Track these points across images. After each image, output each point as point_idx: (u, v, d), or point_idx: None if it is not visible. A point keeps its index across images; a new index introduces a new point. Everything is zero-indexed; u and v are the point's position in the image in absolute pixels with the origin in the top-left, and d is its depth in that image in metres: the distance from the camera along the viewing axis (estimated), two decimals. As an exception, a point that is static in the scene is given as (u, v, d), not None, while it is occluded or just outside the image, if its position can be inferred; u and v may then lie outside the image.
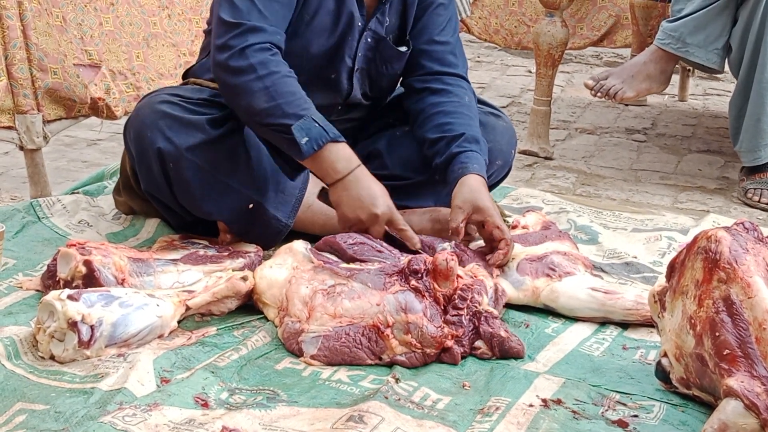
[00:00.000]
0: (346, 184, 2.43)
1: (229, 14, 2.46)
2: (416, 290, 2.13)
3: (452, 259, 2.15)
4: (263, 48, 2.44)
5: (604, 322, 2.37)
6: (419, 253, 2.42)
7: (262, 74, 2.41)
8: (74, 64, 3.08)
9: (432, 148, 2.68)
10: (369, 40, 2.69)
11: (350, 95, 2.73)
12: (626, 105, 4.71)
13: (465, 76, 2.83)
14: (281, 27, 2.52)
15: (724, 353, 1.84)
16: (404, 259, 2.25)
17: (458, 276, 2.17)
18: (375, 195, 2.45)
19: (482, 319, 2.16)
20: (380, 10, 2.68)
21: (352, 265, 2.27)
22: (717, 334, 1.86)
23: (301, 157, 2.42)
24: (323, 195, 2.53)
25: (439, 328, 2.11)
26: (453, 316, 2.14)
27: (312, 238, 2.58)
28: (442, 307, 2.15)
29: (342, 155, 2.44)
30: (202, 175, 2.49)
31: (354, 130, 2.85)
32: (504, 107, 4.70)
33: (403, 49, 2.75)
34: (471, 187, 2.53)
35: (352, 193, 2.43)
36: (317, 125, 2.41)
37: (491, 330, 2.15)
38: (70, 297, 2.03)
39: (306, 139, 2.39)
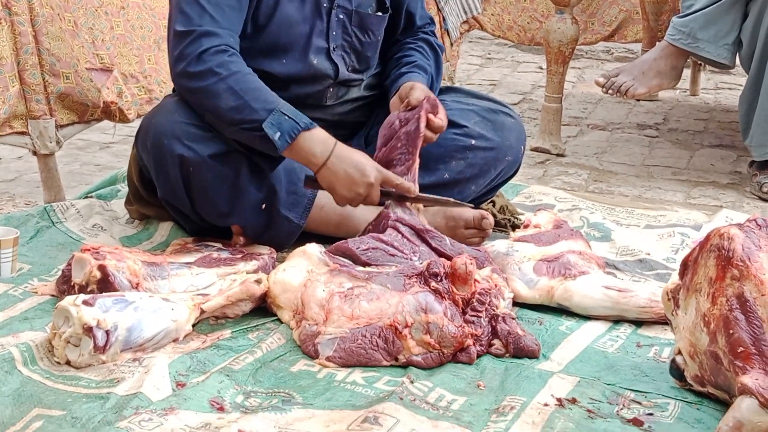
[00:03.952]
0: (331, 168, 2.44)
1: (181, 24, 2.48)
2: (436, 291, 2.14)
3: (471, 264, 2.15)
4: (219, 50, 2.45)
5: (617, 320, 2.37)
6: (416, 200, 2.53)
7: (224, 75, 2.43)
8: (86, 68, 3.09)
9: (387, 72, 2.82)
10: (341, 16, 2.70)
11: (338, 74, 2.73)
12: (638, 101, 4.70)
13: (427, 30, 2.91)
14: (235, 30, 2.53)
15: (738, 351, 1.84)
16: (421, 262, 2.26)
17: (476, 281, 2.17)
18: (362, 166, 2.46)
19: (499, 319, 2.17)
20: None
21: (368, 269, 2.28)
22: (731, 331, 1.86)
23: (276, 153, 2.43)
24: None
25: (460, 328, 2.11)
26: (472, 316, 2.15)
27: (325, 238, 2.59)
28: (461, 309, 2.15)
29: (317, 140, 2.44)
30: (222, 180, 2.52)
31: (363, 110, 2.87)
32: (515, 104, 4.70)
33: (380, 14, 2.77)
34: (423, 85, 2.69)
35: (340, 173, 2.44)
36: (287, 117, 2.42)
37: (508, 328, 2.16)
38: (85, 302, 2.04)
39: (278, 134, 2.40)
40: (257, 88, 2.45)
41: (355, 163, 2.46)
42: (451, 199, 2.61)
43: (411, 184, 2.53)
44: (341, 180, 2.44)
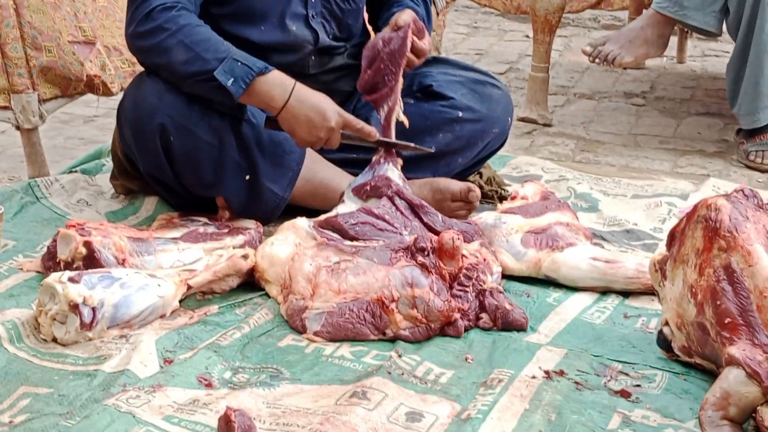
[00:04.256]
0: (291, 111, 2.42)
1: None
2: (423, 266, 2.13)
3: (458, 239, 2.14)
4: (167, 8, 2.43)
5: (605, 291, 2.37)
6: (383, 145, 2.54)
7: (173, 30, 2.41)
8: (69, 42, 3.06)
9: (379, 14, 2.83)
10: None
11: (318, 41, 2.71)
12: (624, 69, 4.69)
13: None
14: None
15: (726, 322, 1.84)
16: (409, 236, 2.25)
17: (463, 255, 2.17)
18: (323, 109, 2.44)
19: (487, 294, 2.16)
20: None
21: (356, 243, 2.26)
22: (718, 302, 1.86)
23: (233, 100, 2.41)
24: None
25: (446, 302, 2.11)
26: (459, 291, 2.14)
27: (311, 212, 2.58)
28: (448, 284, 2.15)
29: (274, 83, 2.42)
30: (204, 148, 2.49)
31: (349, 79, 2.84)
32: (502, 74, 4.68)
33: None
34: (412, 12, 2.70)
35: (300, 118, 2.42)
36: (240, 63, 2.39)
37: (496, 302, 2.16)
38: (70, 279, 2.03)
39: (231, 80, 2.37)
40: (208, 39, 2.43)
41: (316, 106, 2.44)
42: (412, 144, 2.60)
43: (372, 128, 2.52)
44: (302, 123, 2.42)
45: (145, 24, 2.43)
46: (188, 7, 2.48)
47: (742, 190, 2.01)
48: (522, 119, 3.87)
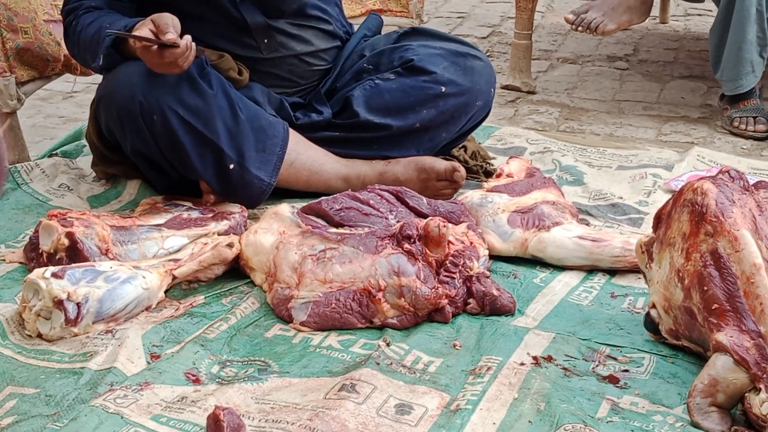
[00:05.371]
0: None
1: None
2: (409, 253, 2.12)
3: (444, 226, 2.13)
4: (69, 19, 2.58)
5: (591, 270, 2.37)
6: None
7: (76, 39, 2.56)
8: (44, 21, 3.00)
9: None
10: None
11: (249, 25, 2.66)
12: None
13: None
14: None
15: (713, 307, 1.84)
16: (398, 221, 2.23)
17: (450, 242, 2.15)
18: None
19: (474, 279, 2.15)
20: None
21: (341, 230, 2.25)
22: (705, 288, 1.85)
23: (107, 63, 2.48)
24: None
25: (434, 289, 2.09)
26: (446, 277, 2.13)
27: (295, 194, 2.56)
28: (435, 271, 2.14)
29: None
30: (186, 127, 2.46)
31: (318, 52, 2.81)
32: (484, 38, 4.64)
33: None
34: None
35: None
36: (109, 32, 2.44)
37: (483, 288, 2.15)
38: (54, 275, 2.01)
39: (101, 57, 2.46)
40: (96, 32, 2.49)
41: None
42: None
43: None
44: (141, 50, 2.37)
45: (67, 44, 2.64)
46: (88, 4, 2.56)
47: (728, 172, 2.00)
48: (505, 87, 3.84)
